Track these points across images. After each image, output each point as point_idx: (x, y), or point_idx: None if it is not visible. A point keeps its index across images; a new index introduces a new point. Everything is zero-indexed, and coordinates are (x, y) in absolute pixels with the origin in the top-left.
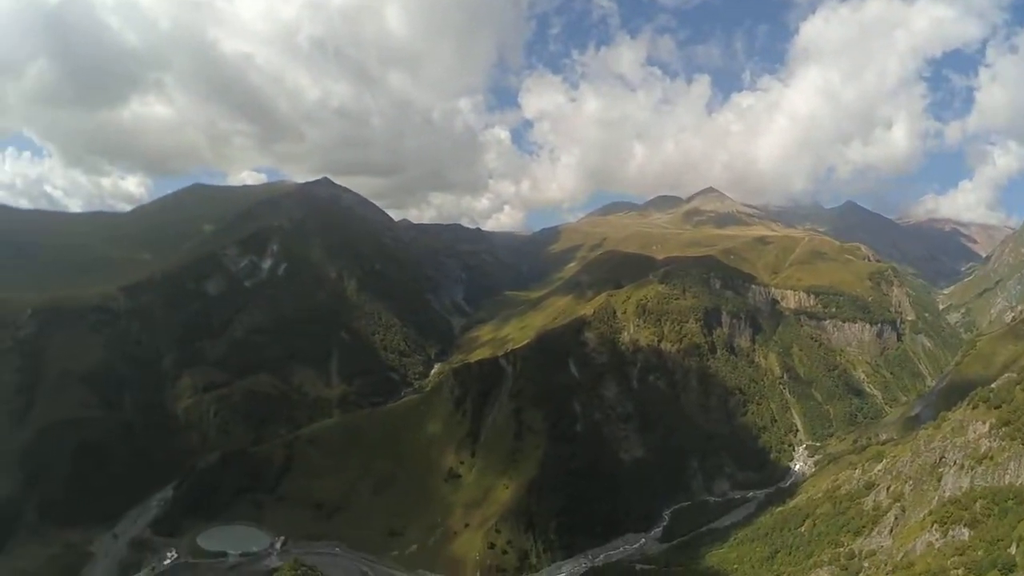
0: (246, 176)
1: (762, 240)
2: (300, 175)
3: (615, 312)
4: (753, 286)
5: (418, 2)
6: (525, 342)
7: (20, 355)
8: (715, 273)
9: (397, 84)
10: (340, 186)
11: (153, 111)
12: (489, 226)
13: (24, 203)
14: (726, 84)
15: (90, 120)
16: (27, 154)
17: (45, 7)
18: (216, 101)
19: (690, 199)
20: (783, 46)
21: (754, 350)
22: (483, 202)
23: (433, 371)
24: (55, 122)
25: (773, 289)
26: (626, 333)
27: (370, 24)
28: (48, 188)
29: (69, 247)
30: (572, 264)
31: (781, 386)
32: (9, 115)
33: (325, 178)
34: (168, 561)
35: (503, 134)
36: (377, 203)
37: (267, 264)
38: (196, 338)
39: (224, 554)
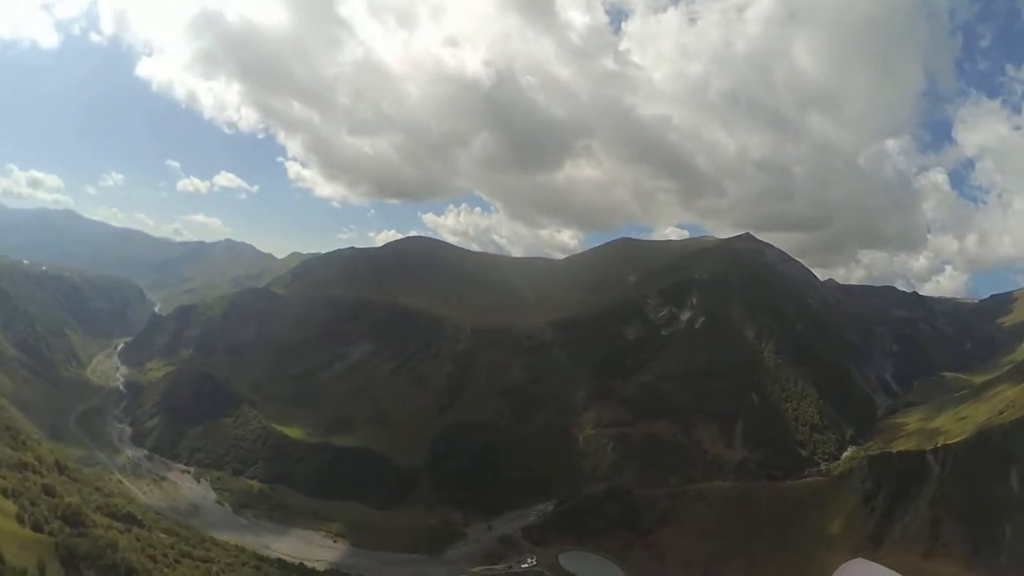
0: (670, 232)
1: None
2: (722, 230)
3: None
4: None
5: (827, 35)
6: (960, 438)
7: (454, 363)
8: None
9: (817, 128)
10: (762, 241)
11: (583, 173)
12: (927, 290)
13: (475, 247)
14: None
15: (529, 182)
16: (477, 209)
17: (482, 89)
18: (639, 161)
19: None
20: None
21: None
22: (920, 261)
23: (845, 454)
24: (499, 183)
25: None
26: None
27: (779, 67)
28: (495, 236)
29: (509, 284)
30: None
31: None
32: (462, 178)
33: (747, 233)
34: (526, 565)
35: (940, 177)
36: (801, 260)
37: (685, 316)
38: (609, 376)
39: None
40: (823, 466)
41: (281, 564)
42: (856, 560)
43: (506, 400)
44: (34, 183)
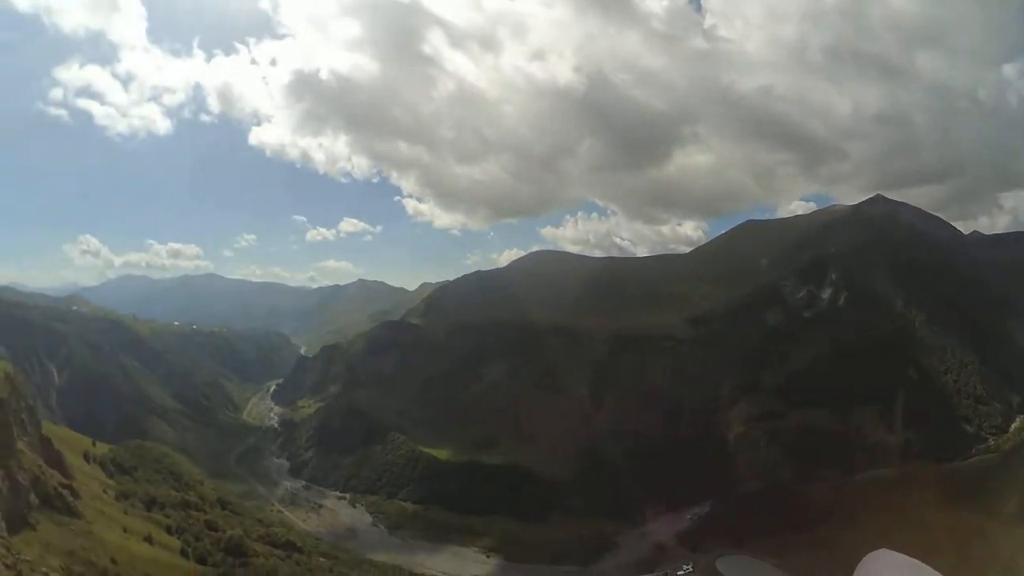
0: (795, 207)
1: None
2: (850, 196)
3: None
4: None
5: None
6: None
7: (593, 372)
8: None
9: (928, 67)
10: (895, 202)
11: (695, 161)
12: None
13: (598, 253)
14: None
15: (641, 179)
16: (595, 215)
17: (577, 96)
18: (750, 138)
19: None
20: None
21: None
22: None
23: (1014, 425)
24: (612, 186)
25: None
26: None
27: (876, 10)
28: (617, 240)
29: (637, 286)
30: None
31: None
32: (575, 186)
33: (878, 195)
34: (681, 572)
35: None
36: (939, 215)
37: (826, 294)
38: (754, 367)
39: None
40: (991, 441)
41: None
42: (880, 551)
43: (649, 404)
44: (175, 254)
